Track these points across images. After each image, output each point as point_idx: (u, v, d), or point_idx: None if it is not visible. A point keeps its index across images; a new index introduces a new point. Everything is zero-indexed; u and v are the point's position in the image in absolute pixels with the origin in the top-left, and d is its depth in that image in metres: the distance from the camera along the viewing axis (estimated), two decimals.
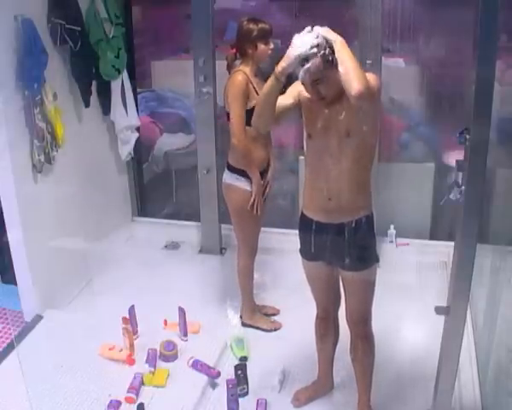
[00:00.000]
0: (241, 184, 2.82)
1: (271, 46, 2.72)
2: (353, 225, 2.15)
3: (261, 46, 2.69)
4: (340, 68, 1.88)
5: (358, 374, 2.46)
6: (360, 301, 2.35)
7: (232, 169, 2.87)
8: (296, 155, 3.90)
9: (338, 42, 1.91)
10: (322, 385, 2.67)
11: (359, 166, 2.11)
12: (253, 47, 2.70)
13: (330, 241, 2.21)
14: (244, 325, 3.14)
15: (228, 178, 2.89)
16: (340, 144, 2.08)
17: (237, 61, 2.83)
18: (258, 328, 3.11)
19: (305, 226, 2.25)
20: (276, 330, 3.12)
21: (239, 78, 2.69)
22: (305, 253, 2.31)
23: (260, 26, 2.70)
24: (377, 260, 2.29)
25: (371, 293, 2.33)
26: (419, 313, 3.00)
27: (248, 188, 2.81)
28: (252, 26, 2.70)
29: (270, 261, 3.25)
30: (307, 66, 1.93)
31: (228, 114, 2.80)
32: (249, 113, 2.58)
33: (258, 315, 3.16)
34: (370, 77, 1.96)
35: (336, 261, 2.26)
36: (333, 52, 1.92)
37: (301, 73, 1.96)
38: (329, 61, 1.93)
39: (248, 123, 2.64)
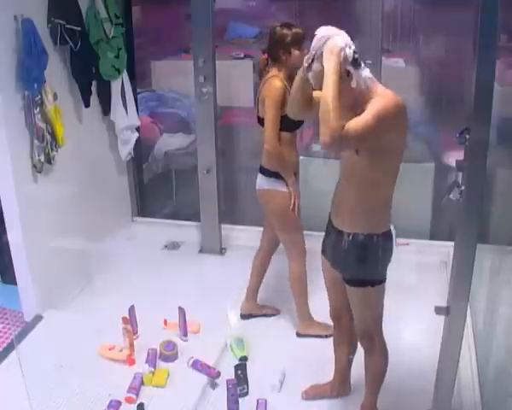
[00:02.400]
0: (279, 186, 2.80)
1: (305, 51, 2.71)
2: (351, 237, 2.13)
3: (295, 52, 2.65)
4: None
5: (366, 378, 2.45)
6: (359, 316, 2.33)
7: (268, 173, 2.81)
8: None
9: (329, 73, 1.82)
10: (336, 387, 2.65)
11: (365, 185, 2.06)
12: (286, 53, 2.67)
13: (332, 242, 2.23)
14: (300, 335, 3.07)
15: (264, 183, 2.83)
16: (350, 159, 2.06)
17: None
18: (316, 336, 3.02)
19: (328, 219, 2.28)
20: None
21: (278, 84, 2.66)
22: (322, 242, 2.34)
23: (294, 31, 2.66)
24: (378, 283, 2.18)
25: (371, 311, 2.28)
26: (419, 313, 3.00)
27: (286, 189, 2.79)
28: (285, 31, 2.66)
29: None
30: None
31: (260, 119, 2.79)
32: (284, 119, 2.61)
33: (315, 323, 3.07)
34: (383, 102, 1.87)
35: (335, 264, 2.26)
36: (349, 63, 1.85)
37: (311, 74, 1.94)
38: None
39: (282, 128, 2.69)
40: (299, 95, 2.08)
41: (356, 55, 1.88)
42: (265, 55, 2.80)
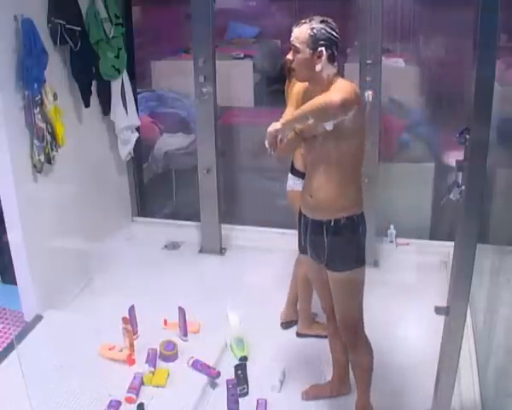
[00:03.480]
0: None
1: None
2: (332, 224, 2.16)
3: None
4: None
5: (355, 377, 2.47)
6: (343, 306, 2.35)
7: (299, 174, 2.71)
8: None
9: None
10: (335, 387, 2.65)
11: (339, 167, 2.12)
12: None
13: (312, 236, 2.25)
14: (300, 335, 3.07)
15: (300, 185, 2.60)
16: (320, 143, 2.12)
17: None
18: (316, 336, 3.01)
19: (299, 219, 2.32)
20: None
21: None
22: (298, 245, 2.38)
23: None
24: (361, 265, 2.23)
25: (354, 298, 2.31)
26: (419, 313, 3.00)
27: None
28: None
29: (271, 261, 3.24)
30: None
31: None
32: None
33: (315, 323, 3.08)
34: (343, 87, 2.00)
35: (317, 258, 2.28)
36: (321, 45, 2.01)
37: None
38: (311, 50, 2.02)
39: None
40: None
41: (334, 52, 2.05)
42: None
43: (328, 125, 2.03)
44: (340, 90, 1.98)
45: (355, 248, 2.22)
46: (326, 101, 1.95)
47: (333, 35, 2.03)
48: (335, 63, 2.06)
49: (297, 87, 2.26)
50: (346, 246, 2.20)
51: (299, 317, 3.10)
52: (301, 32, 2.02)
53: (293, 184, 2.79)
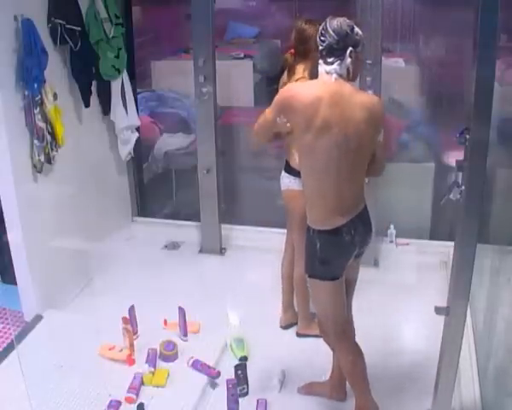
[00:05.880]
0: None
1: None
2: (308, 226, 2.20)
3: None
4: None
5: (347, 379, 2.47)
6: (316, 308, 2.41)
7: (295, 172, 2.63)
8: None
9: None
10: (330, 389, 2.62)
11: (304, 179, 2.17)
12: (316, 48, 2.66)
13: None
14: (300, 335, 3.07)
15: (297, 183, 2.62)
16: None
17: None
18: (316, 336, 2.91)
19: None
20: None
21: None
22: None
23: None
24: (321, 278, 2.19)
25: (320, 306, 2.33)
26: (419, 313, 3.00)
27: None
28: (316, 27, 2.64)
29: (271, 261, 3.24)
30: None
31: None
32: None
33: (314, 323, 3.01)
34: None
35: None
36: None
37: None
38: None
39: None
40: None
41: (323, 51, 2.08)
42: (292, 52, 2.70)
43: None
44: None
45: (309, 257, 2.21)
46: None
47: (321, 33, 2.07)
48: (320, 61, 2.09)
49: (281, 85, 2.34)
50: (308, 252, 2.22)
51: (298, 317, 3.10)
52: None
53: (289, 182, 2.74)
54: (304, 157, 2.13)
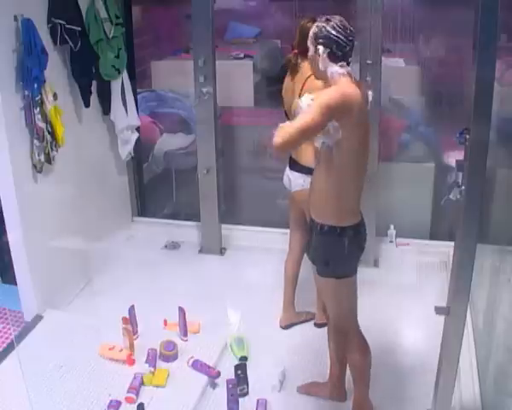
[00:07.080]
0: None
1: None
2: (319, 227, 2.17)
3: None
4: None
5: (351, 374, 2.47)
6: (329, 309, 2.38)
7: (306, 170, 2.58)
8: None
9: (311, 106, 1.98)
10: (330, 389, 2.62)
11: (331, 176, 2.11)
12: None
13: (310, 232, 2.28)
14: (286, 327, 3.12)
15: (308, 183, 2.46)
16: (321, 149, 2.13)
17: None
18: (303, 322, 3.11)
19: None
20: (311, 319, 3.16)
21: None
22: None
23: None
24: (343, 276, 2.20)
25: (339, 305, 2.31)
26: (419, 313, 3.00)
27: None
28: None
29: (270, 261, 3.24)
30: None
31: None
32: None
33: (297, 313, 3.14)
34: (330, 91, 2.00)
35: (309, 256, 2.31)
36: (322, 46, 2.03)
37: None
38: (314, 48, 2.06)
39: None
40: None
41: (336, 52, 2.03)
42: (295, 51, 2.68)
43: (328, 139, 2.04)
44: (325, 94, 1.99)
45: (335, 258, 2.18)
46: (304, 118, 1.94)
47: (332, 34, 2.02)
48: (342, 62, 2.04)
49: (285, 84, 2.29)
50: (325, 253, 2.19)
51: (282, 309, 3.11)
52: (310, 31, 2.09)
53: (303, 182, 2.61)
54: (351, 156, 2.07)
